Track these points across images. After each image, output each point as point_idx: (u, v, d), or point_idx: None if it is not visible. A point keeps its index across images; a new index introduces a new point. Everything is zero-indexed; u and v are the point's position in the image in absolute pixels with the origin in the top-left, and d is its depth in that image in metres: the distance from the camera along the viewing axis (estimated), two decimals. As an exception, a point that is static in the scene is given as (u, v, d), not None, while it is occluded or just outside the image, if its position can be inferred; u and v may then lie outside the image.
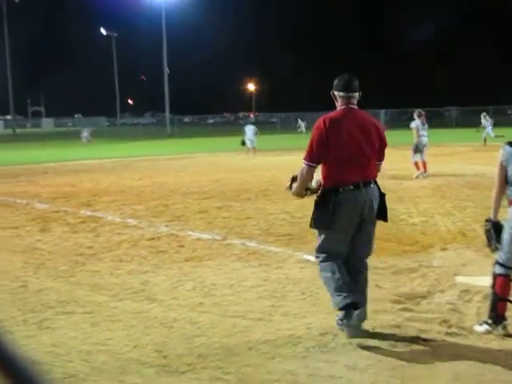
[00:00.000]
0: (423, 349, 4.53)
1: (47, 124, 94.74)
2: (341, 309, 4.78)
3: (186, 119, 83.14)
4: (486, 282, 6.11)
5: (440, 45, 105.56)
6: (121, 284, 6.51)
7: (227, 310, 5.57)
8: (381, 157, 5.22)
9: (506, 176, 4.92)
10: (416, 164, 16.43)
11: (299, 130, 51.68)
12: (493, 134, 30.87)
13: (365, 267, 5.15)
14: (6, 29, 67.10)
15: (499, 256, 4.95)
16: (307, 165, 4.98)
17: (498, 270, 4.92)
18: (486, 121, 31.98)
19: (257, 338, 4.81)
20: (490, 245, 5.08)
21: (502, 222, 4.93)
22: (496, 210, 5.06)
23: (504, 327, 4.82)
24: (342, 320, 4.78)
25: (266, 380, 4.05)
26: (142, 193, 14.62)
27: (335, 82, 5.12)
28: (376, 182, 5.10)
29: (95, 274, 7.01)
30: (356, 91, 5.07)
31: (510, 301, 4.94)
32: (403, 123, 59.42)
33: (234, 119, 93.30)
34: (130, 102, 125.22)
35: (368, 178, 4.99)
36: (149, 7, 63.58)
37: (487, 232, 5.09)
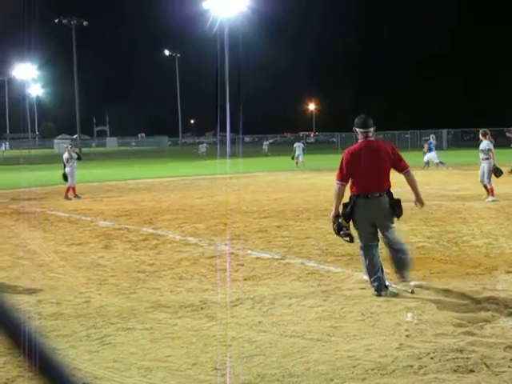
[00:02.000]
0: (486, 375, 4.40)
1: (111, 143, 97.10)
2: (372, 286, 6.65)
3: (247, 138, 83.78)
4: (553, 306, 5.92)
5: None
6: (180, 301, 6.59)
7: (286, 329, 5.55)
8: (401, 167, 6.87)
9: None
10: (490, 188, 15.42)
11: None
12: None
13: (396, 243, 6.81)
14: (74, 50, 69.24)
15: None
16: (338, 183, 6.94)
17: None
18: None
19: (315, 359, 4.77)
20: None
21: None
22: None
23: None
24: (375, 291, 6.56)
25: (324, 401, 4.01)
26: (203, 211, 14.78)
27: (355, 121, 6.84)
28: (388, 192, 6.76)
29: (156, 291, 7.12)
30: (371, 127, 6.82)
31: None
32: (465, 143, 58.26)
33: (294, 138, 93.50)
34: (191, 121, 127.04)
35: (375, 190, 6.69)
36: (212, 28, 64.62)
37: None
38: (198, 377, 4.49)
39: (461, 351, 4.84)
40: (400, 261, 6.77)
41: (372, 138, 6.84)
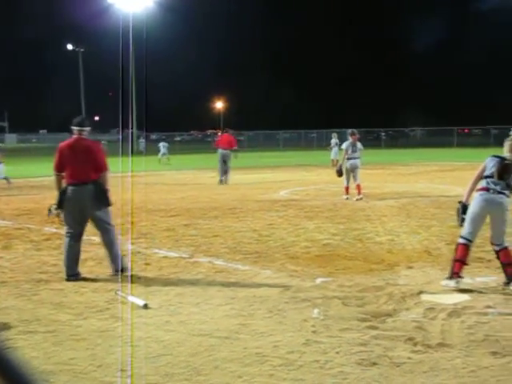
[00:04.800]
0: (388, 367, 4.54)
1: (10, 139, 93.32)
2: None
3: (153, 136, 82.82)
4: (450, 299, 6.20)
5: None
6: (85, 302, 6.42)
7: (193, 328, 5.52)
8: (98, 167, 7.67)
9: (482, 173, 6.81)
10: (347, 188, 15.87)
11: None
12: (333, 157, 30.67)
13: (106, 229, 7.81)
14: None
15: (462, 231, 6.82)
16: (55, 173, 7.76)
17: (461, 240, 6.78)
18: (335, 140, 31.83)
19: (223, 357, 4.77)
20: (458, 220, 7.03)
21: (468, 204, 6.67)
22: (468, 195, 6.95)
23: (457, 282, 6.61)
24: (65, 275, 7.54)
25: (232, 399, 4.01)
26: (108, 210, 14.46)
27: (73, 120, 7.82)
28: (94, 182, 7.60)
29: (59, 292, 6.90)
30: (86, 127, 7.85)
31: (465, 263, 6.72)
32: (369, 142, 60.12)
33: (201, 137, 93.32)
34: (96, 118, 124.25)
35: (82, 180, 7.54)
36: (117, 22, 63.37)
37: (457, 211, 7.00)
38: (103, 379, 4.39)
39: (364, 345, 4.98)
40: (111, 254, 7.74)
41: (85, 137, 7.81)
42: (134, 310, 6.12)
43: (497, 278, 7.10)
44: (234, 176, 25.66)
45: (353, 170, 15.73)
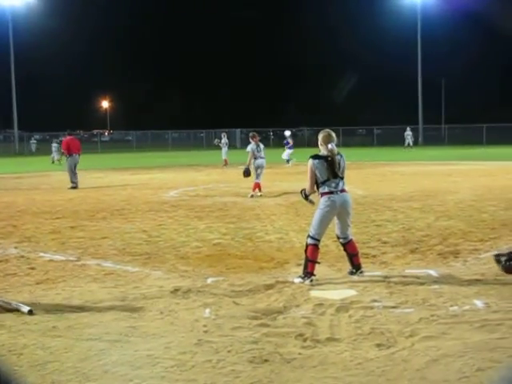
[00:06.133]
0: (279, 363, 4.61)
1: None
2: None
3: (37, 136, 79.80)
4: (338, 295, 6.39)
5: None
6: (-36, 310, 6.07)
7: (82, 332, 5.36)
8: None
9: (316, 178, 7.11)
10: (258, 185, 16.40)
11: None
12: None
13: None
14: None
15: (310, 231, 7.15)
16: None
17: (310, 241, 7.11)
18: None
19: (113, 361, 4.67)
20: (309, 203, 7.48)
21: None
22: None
23: (311, 280, 6.92)
24: None
25: (123, 404, 3.93)
26: (-11, 213, 13.80)
27: None
28: None
29: None
30: None
31: (316, 262, 7.08)
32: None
33: (87, 136, 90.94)
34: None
35: None
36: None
37: (303, 197, 7.43)
38: (-15, 390, 4.16)
39: (256, 342, 5.03)
40: None
41: None
42: (18, 316, 5.86)
43: (381, 272, 7.39)
44: (121, 176, 25.20)
45: (260, 168, 16.48)
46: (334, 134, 7.33)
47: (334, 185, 7.05)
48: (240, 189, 17.85)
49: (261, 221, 11.84)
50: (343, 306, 5.99)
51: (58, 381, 4.31)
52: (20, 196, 17.83)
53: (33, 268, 7.99)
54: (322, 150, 7.21)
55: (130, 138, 76.65)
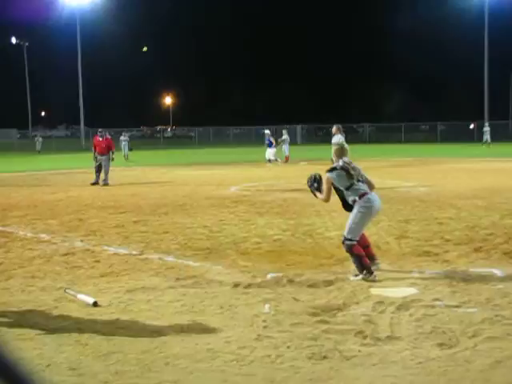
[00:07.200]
0: (339, 360, 4.60)
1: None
2: None
3: (111, 133, 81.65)
4: (399, 293, 6.32)
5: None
6: (33, 301, 6.29)
7: (144, 325, 5.48)
8: None
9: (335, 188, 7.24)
10: None
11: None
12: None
13: None
14: None
15: (346, 235, 7.09)
16: None
17: (350, 242, 7.04)
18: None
19: (174, 353, 4.75)
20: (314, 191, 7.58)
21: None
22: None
23: (374, 276, 6.88)
24: None
25: (183, 396, 4.00)
26: (56, 207, 14.23)
27: None
28: None
29: (4, 291, 6.74)
30: None
31: (372, 258, 7.21)
32: (319, 138, 60.58)
33: (151, 132, 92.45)
34: (42, 113, 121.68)
35: None
36: (64, 17, 62.37)
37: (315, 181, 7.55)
38: (53, 378, 4.32)
39: (315, 339, 5.03)
40: None
41: None
42: (83, 308, 6.04)
43: (444, 271, 7.26)
44: (183, 172, 25.54)
45: None
46: (346, 147, 7.61)
47: (362, 187, 7.14)
48: (301, 185, 17.81)
49: (321, 217, 11.80)
50: (404, 305, 5.91)
51: (122, 371, 4.42)
52: (86, 190, 18.30)
53: (98, 261, 8.20)
54: (336, 163, 7.32)
55: (192, 134, 77.55)
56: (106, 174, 20.17)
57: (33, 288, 6.84)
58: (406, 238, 9.43)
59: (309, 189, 7.72)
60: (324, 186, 7.36)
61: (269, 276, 7.20)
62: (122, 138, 39.61)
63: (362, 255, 7.04)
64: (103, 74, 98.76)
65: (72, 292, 6.47)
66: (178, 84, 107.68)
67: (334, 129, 17.82)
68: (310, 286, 6.71)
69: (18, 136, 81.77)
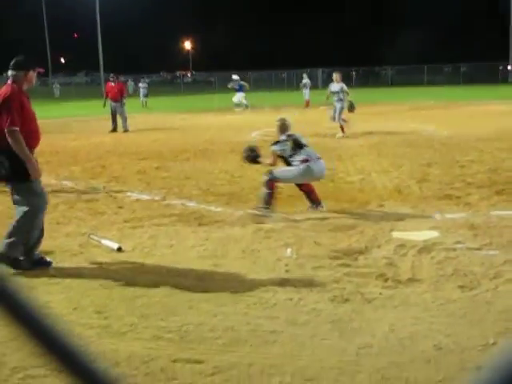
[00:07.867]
0: (360, 303, 4.65)
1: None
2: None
3: (122, 78, 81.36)
4: (420, 236, 6.32)
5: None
6: (59, 247, 6.40)
7: (168, 270, 5.56)
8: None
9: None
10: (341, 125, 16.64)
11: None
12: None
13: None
14: None
15: (273, 173, 7.52)
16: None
17: (272, 178, 7.48)
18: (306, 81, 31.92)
19: (198, 297, 4.83)
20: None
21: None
22: None
23: (268, 211, 7.37)
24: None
25: (207, 338, 4.09)
26: (78, 154, 14.32)
27: None
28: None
29: (31, 237, 6.85)
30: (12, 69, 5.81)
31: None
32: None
33: (170, 78, 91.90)
34: (62, 60, 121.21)
35: None
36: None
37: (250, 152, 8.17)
38: (80, 321, 4.42)
39: (337, 282, 5.08)
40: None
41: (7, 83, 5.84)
42: (107, 253, 6.14)
43: (465, 214, 7.24)
44: (204, 118, 25.44)
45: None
46: (288, 123, 8.06)
47: (304, 153, 7.57)
48: (321, 129, 17.69)
49: (342, 161, 11.75)
50: (425, 248, 5.92)
51: (146, 314, 4.52)
52: (107, 137, 18.37)
53: (121, 207, 8.29)
54: (280, 137, 7.81)
55: (212, 79, 76.87)
56: (125, 120, 20.12)
57: (58, 234, 6.95)
58: (427, 182, 9.38)
59: (248, 162, 8.25)
60: (270, 157, 7.80)
61: (290, 220, 7.23)
62: (140, 84, 39.04)
63: (273, 193, 7.49)
64: (120, 20, 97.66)
65: (96, 237, 6.57)
66: (196, 29, 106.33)
67: (337, 76, 17.01)
68: (332, 229, 6.74)
69: (39, 83, 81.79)
